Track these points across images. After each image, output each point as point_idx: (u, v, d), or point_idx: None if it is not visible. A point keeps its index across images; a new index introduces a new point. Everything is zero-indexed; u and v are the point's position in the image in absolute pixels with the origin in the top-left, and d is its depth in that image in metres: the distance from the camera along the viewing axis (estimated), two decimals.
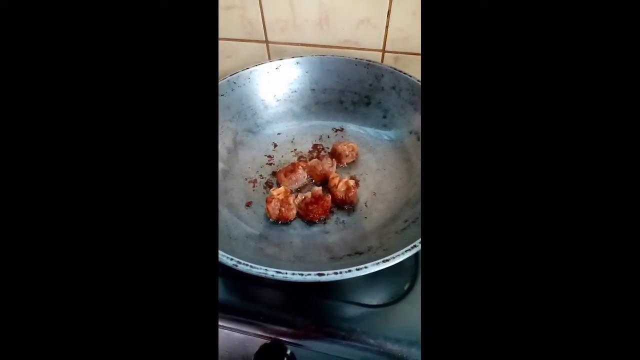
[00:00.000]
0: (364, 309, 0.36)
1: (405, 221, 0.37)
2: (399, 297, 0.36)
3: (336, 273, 0.28)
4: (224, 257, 0.29)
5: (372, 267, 0.28)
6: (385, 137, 0.48)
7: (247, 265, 0.29)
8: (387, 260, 0.29)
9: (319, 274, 0.28)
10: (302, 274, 0.28)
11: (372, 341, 0.33)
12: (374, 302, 0.36)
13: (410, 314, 0.35)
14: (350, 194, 0.40)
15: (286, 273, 0.28)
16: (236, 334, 0.36)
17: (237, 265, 0.29)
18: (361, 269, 0.28)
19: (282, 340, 0.35)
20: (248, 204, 0.42)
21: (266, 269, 0.28)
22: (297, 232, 0.39)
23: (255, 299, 0.37)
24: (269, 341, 0.35)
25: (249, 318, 0.36)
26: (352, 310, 0.36)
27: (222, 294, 0.37)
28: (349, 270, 0.28)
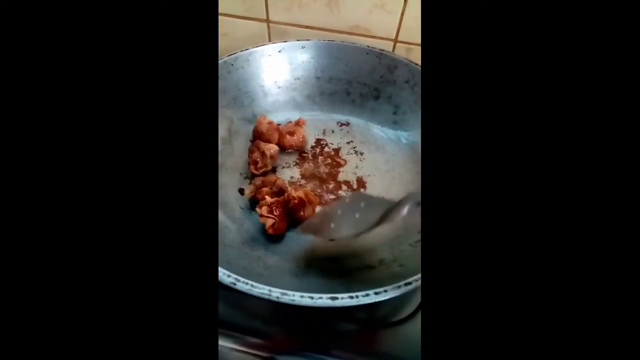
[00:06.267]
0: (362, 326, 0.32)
1: (420, 232, 0.34)
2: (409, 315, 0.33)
3: (352, 297, 0.24)
4: (219, 272, 0.25)
5: (393, 292, 0.25)
6: (395, 136, 0.44)
7: (247, 284, 0.25)
8: (410, 283, 0.25)
9: (332, 298, 0.24)
10: (312, 297, 0.24)
11: None
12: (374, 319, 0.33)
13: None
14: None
15: (293, 295, 0.24)
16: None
17: (235, 284, 0.25)
18: (380, 292, 0.25)
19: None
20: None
21: (270, 290, 0.24)
22: (300, 236, 0.35)
23: (235, 305, 0.32)
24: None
25: (227, 329, 0.31)
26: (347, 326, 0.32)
27: None
28: (367, 295, 0.24)
